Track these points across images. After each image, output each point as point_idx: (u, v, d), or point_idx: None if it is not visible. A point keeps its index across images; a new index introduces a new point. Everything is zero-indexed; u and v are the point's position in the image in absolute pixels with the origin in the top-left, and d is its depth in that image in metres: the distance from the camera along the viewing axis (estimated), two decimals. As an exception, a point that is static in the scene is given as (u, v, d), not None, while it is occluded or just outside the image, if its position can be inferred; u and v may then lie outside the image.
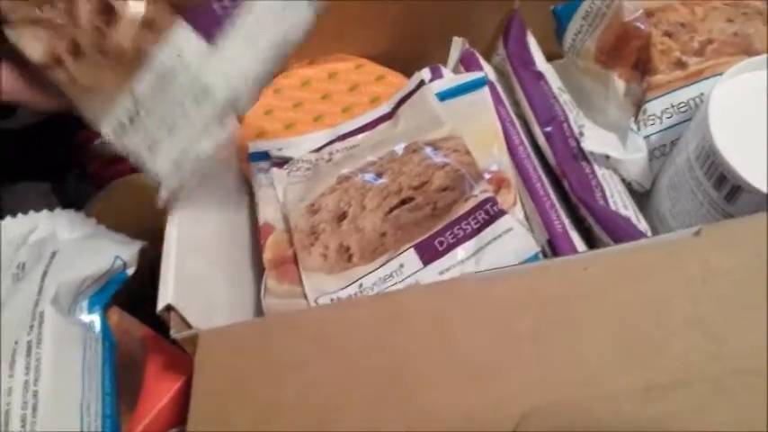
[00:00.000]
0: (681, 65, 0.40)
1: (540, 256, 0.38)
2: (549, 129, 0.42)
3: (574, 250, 0.38)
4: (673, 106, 0.40)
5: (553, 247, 0.39)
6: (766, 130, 0.35)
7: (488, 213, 0.37)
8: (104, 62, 0.30)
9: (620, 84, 0.43)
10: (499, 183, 0.40)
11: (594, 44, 0.44)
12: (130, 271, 0.42)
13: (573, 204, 0.40)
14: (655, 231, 0.40)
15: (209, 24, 0.30)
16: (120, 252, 0.41)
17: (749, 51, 0.40)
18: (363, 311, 0.31)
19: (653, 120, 0.41)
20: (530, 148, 0.43)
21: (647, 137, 0.41)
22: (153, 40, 0.29)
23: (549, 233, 0.39)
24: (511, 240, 0.37)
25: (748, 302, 0.29)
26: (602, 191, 0.39)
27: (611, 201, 0.39)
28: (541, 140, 0.43)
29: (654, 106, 0.41)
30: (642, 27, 0.42)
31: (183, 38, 0.29)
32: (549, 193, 0.41)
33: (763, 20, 0.42)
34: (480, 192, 0.38)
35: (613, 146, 0.41)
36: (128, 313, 0.42)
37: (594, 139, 0.41)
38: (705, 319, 0.28)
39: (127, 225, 0.48)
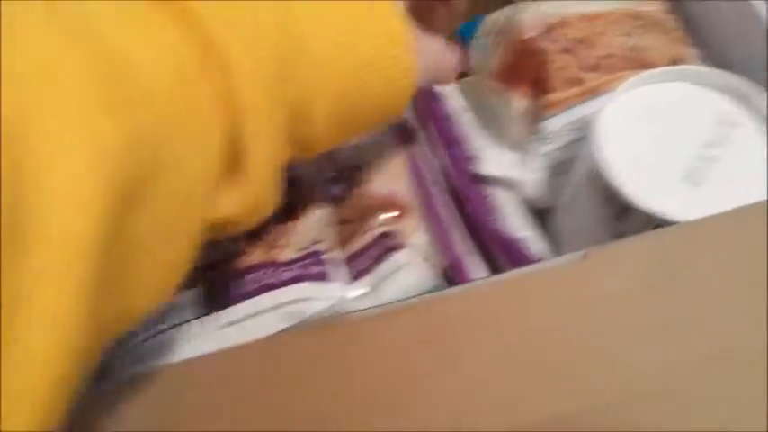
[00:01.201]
0: (577, 81, 0.40)
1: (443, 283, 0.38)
2: (450, 150, 0.42)
3: (474, 275, 0.38)
4: (570, 123, 0.40)
5: (454, 272, 0.38)
6: (654, 147, 0.35)
7: (386, 247, 0.37)
8: None
9: (520, 102, 0.42)
10: (401, 208, 0.40)
11: (496, 62, 0.44)
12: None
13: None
14: (558, 250, 0.40)
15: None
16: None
17: (645, 65, 0.40)
18: (250, 360, 0.30)
19: (552, 138, 0.40)
20: (434, 171, 0.43)
21: (546, 155, 0.40)
22: None
23: (449, 258, 0.38)
24: (408, 274, 0.36)
25: (635, 327, 0.28)
26: (499, 213, 0.39)
27: (507, 223, 0.38)
28: (444, 162, 0.42)
29: (552, 124, 0.40)
30: (540, 44, 0.41)
31: None
32: (452, 216, 0.40)
33: (659, 30, 0.42)
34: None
35: (513, 166, 0.41)
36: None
37: (492, 161, 0.40)
38: (593, 347, 0.28)
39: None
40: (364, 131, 0.34)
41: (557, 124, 0.40)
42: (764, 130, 0.36)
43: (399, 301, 0.32)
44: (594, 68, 0.40)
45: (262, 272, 0.34)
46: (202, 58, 0.24)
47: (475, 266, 0.38)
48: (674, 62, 0.41)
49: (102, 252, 0.19)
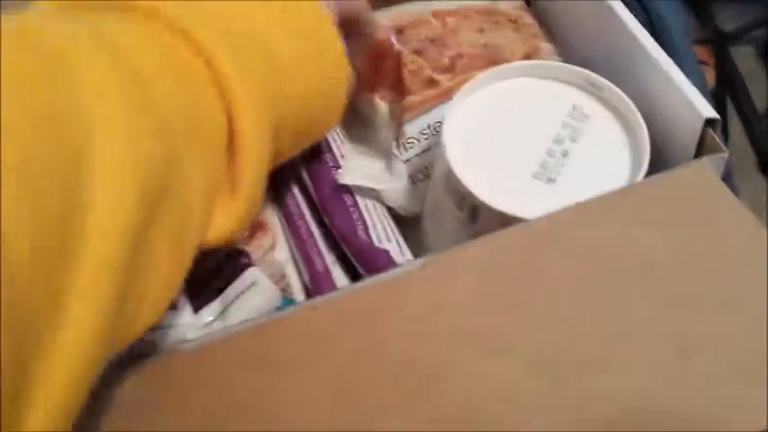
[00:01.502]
0: (432, 83, 0.39)
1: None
2: (312, 161, 0.40)
3: (334, 289, 0.36)
4: (429, 127, 0.39)
5: (315, 287, 0.37)
6: (505, 144, 0.35)
7: (237, 267, 0.35)
8: None
9: (383, 106, 0.41)
10: (255, 226, 0.38)
11: (358, 66, 0.42)
12: None
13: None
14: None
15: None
16: None
17: (499, 62, 0.39)
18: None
19: (412, 142, 0.39)
20: (298, 182, 0.41)
21: (408, 160, 0.39)
22: None
23: (309, 272, 0.37)
24: (258, 294, 0.34)
25: (468, 341, 0.27)
26: (364, 223, 0.37)
27: (372, 233, 0.37)
28: (309, 172, 0.41)
29: (412, 128, 0.39)
30: (394, 46, 0.40)
31: None
32: (312, 230, 0.38)
33: (514, 27, 0.41)
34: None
35: (375, 175, 0.39)
36: None
37: (354, 171, 0.38)
38: (422, 362, 0.27)
39: None
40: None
41: (415, 128, 0.39)
42: (616, 121, 0.36)
43: (235, 325, 0.30)
44: (448, 69, 0.39)
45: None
46: (210, 75, 0.27)
47: (337, 280, 0.37)
48: (528, 58, 0.40)
49: (129, 260, 0.22)
